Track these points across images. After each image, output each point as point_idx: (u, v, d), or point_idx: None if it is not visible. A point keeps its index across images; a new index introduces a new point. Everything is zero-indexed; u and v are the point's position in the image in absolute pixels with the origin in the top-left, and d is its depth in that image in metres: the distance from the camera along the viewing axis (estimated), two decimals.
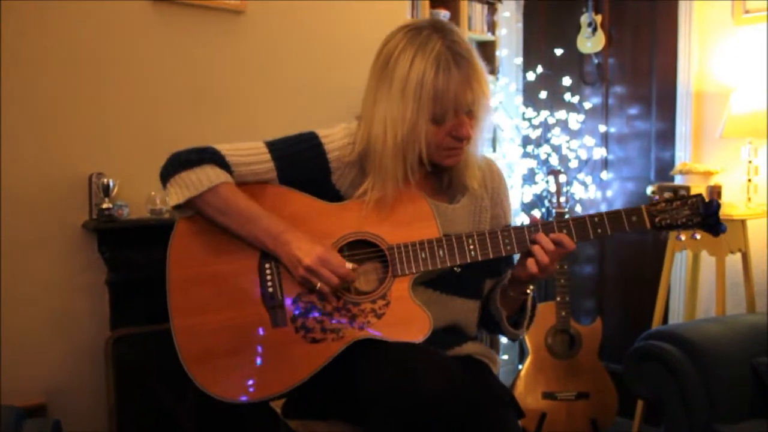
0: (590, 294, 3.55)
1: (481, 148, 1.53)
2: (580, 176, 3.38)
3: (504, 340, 3.51)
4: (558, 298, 2.96)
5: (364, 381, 1.34)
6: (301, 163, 1.50)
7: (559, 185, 2.98)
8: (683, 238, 1.48)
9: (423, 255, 1.42)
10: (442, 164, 1.49)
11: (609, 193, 3.44)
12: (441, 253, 1.42)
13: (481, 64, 1.41)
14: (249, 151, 1.48)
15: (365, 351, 1.37)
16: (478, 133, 1.46)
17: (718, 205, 1.42)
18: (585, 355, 2.99)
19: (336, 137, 1.51)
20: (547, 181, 3.23)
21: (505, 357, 3.54)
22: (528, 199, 3.40)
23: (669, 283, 3.01)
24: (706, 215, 1.41)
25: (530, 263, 1.42)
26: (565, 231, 1.42)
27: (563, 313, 2.96)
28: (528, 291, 1.53)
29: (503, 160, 3.52)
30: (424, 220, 1.45)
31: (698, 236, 1.45)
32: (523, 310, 1.57)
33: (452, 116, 1.40)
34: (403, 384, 1.26)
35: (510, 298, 1.54)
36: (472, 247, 1.43)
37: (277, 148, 1.50)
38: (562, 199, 2.97)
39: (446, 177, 1.55)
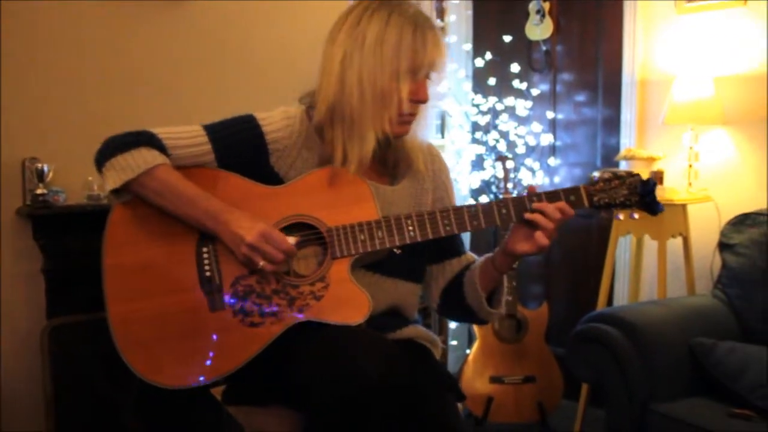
0: (537, 279, 3.59)
1: (427, 127, 1.53)
2: (528, 162, 3.40)
3: (453, 325, 3.52)
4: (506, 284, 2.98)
5: (302, 365, 1.34)
6: (238, 145, 1.48)
7: (506, 171, 3.00)
8: (621, 217, 1.47)
9: (362, 237, 1.42)
10: (393, 134, 1.47)
11: (557, 179, 3.47)
12: (380, 234, 1.42)
13: None
14: (186, 134, 1.47)
15: (304, 335, 1.37)
16: (428, 104, 1.47)
17: (655, 184, 1.42)
18: (531, 339, 3.02)
19: (274, 119, 1.51)
20: (494, 167, 3.24)
21: (455, 342, 3.57)
22: (476, 185, 3.42)
23: (614, 268, 3.06)
24: (643, 194, 1.41)
25: (539, 236, 1.38)
26: (505, 212, 1.42)
27: (510, 298, 2.99)
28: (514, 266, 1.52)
29: (452, 146, 3.53)
30: (363, 202, 1.44)
31: (636, 215, 1.45)
32: (499, 286, 1.56)
33: (423, 76, 1.42)
34: (341, 367, 1.26)
35: (490, 278, 1.51)
36: (411, 228, 1.42)
37: (215, 130, 1.48)
38: (510, 185, 2.98)
39: (391, 157, 1.55)
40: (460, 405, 1.61)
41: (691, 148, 2.87)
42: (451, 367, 3.45)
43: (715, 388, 2.19)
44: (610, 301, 3.16)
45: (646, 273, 3.09)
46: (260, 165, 1.49)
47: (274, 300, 1.40)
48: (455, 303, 1.58)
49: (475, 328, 3.04)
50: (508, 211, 1.42)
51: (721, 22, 2.87)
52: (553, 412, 3.04)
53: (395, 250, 1.46)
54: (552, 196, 1.42)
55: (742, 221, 2.60)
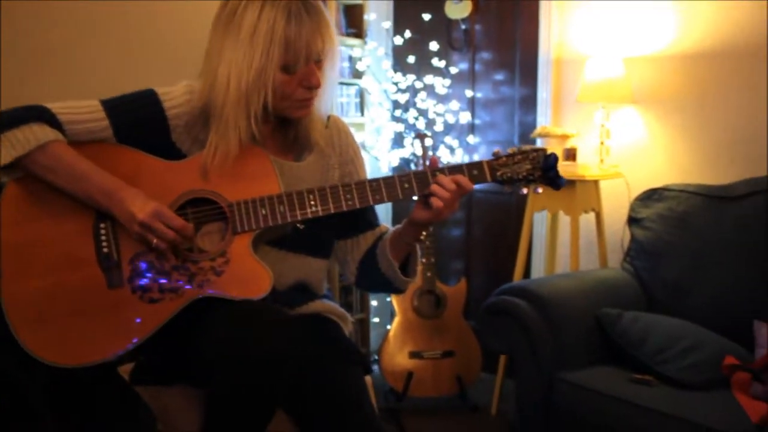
0: (457, 255, 3.64)
1: (327, 102, 1.52)
2: (447, 140, 3.43)
3: (374, 302, 3.55)
4: (424, 260, 3.02)
5: (204, 342, 1.32)
6: (138, 121, 1.45)
7: (425, 149, 3.02)
8: (525, 191, 1.48)
9: (263, 211, 1.41)
10: (292, 116, 1.47)
11: (476, 157, 3.52)
12: (282, 209, 1.41)
13: (329, 16, 1.42)
14: (83, 109, 1.43)
15: (205, 311, 1.35)
16: (326, 84, 1.46)
17: (557, 159, 1.44)
18: (450, 314, 3.07)
19: (176, 94, 1.48)
20: (413, 145, 3.26)
21: (377, 319, 3.59)
22: (396, 162, 3.43)
23: (530, 243, 3.13)
24: (546, 169, 1.44)
25: (434, 201, 1.40)
26: (407, 186, 1.43)
27: (429, 274, 3.03)
28: (422, 236, 1.54)
29: (372, 124, 3.52)
30: (265, 177, 1.43)
31: (540, 190, 1.47)
32: (412, 255, 1.57)
33: (303, 64, 1.39)
34: (242, 342, 1.26)
35: (400, 248, 1.53)
36: (313, 203, 1.42)
37: (113, 105, 1.45)
38: (428, 163, 3.00)
39: (292, 132, 1.54)
40: (369, 378, 1.62)
41: (602, 125, 2.95)
42: (373, 343, 3.48)
43: (620, 357, 2.28)
44: (527, 275, 3.24)
45: (562, 247, 3.18)
46: (162, 141, 1.46)
47: (173, 276, 1.38)
48: (371, 275, 1.58)
49: (395, 304, 3.06)
50: (410, 185, 1.43)
51: (632, 4, 2.96)
52: (471, 385, 3.11)
53: (298, 225, 1.46)
54: (455, 170, 1.43)
55: (649, 196, 2.70)
